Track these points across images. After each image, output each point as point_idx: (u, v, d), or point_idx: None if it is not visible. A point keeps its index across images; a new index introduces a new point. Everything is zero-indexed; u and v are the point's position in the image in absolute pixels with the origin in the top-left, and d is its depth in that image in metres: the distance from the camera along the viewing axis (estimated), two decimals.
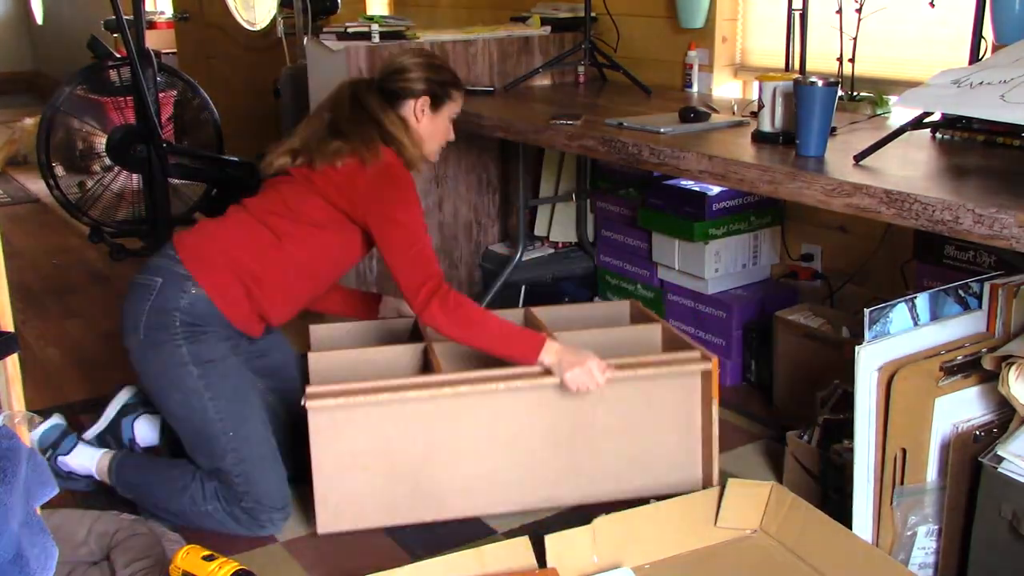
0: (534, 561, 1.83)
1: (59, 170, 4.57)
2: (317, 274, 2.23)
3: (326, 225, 2.16)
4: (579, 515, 2.27)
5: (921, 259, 2.49)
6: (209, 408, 2.07)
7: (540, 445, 2.21)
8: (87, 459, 2.28)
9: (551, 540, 1.84)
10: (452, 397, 2.12)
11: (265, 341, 2.30)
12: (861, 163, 2.00)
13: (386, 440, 2.13)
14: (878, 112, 2.59)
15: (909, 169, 1.99)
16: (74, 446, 2.28)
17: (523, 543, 1.83)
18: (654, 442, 2.26)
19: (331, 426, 2.10)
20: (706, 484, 2.25)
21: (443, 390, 2.11)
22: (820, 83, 2.04)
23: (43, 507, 1.50)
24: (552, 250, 3.56)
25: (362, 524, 2.16)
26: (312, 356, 2.33)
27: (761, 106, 2.28)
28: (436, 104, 2.25)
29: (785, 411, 2.70)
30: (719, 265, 2.98)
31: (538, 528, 2.24)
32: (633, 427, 2.25)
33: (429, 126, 2.26)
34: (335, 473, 2.12)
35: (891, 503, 1.88)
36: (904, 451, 1.86)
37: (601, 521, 1.89)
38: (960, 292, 1.96)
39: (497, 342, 2.09)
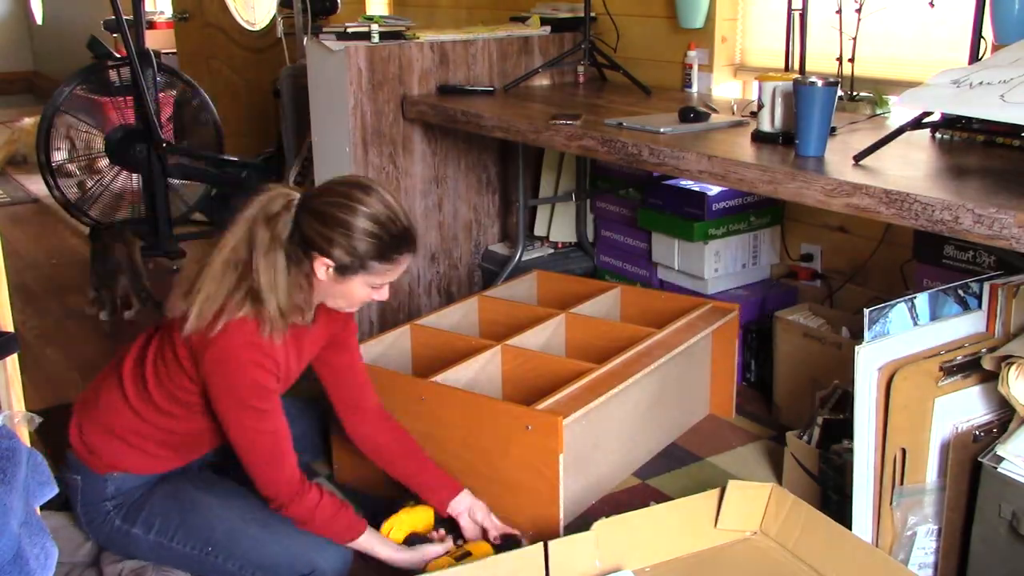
0: (543, 569, 1.82)
1: (58, 170, 4.57)
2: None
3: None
4: (578, 518, 2.27)
5: (921, 259, 2.49)
6: (177, 549, 1.91)
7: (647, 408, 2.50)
8: None
9: (554, 545, 1.83)
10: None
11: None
12: (861, 163, 2.00)
13: None
14: (878, 112, 2.58)
15: (909, 169, 1.99)
16: None
17: (535, 551, 1.82)
18: (694, 386, 2.70)
19: None
20: (726, 414, 2.76)
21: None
22: (820, 83, 2.04)
23: (43, 507, 1.50)
24: (552, 250, 3.56)
25: None
26: None
27: (761, 106, 2.28)
28: (343, 272, 1.85)
29: (785, 411, 2.70)
30: (719, 265, 2.98)
31: None
32: (686, 377, 2.65)
33: (331, 288, 1.88)
34: None
35: (891, 503, 1.88)
36: (904, 451, 1.86)
37: (602, 525, 1.89)
38: (960, 292, 1.96)
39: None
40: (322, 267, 1.83)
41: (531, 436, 2.08)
